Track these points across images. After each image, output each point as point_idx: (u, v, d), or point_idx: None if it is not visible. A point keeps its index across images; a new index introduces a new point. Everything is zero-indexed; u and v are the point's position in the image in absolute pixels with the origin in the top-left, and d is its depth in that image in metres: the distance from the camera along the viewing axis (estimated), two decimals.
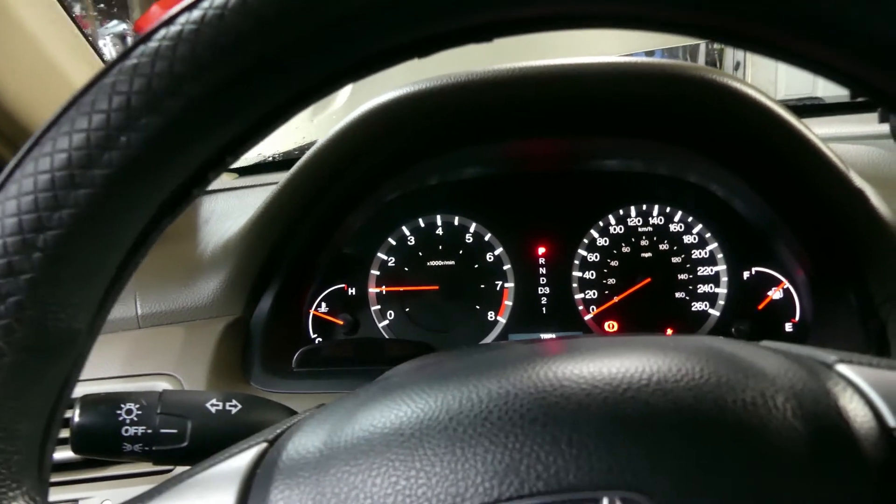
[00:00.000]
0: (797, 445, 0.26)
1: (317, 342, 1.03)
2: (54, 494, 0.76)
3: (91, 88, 0.29)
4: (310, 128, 1.40)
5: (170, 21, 0.29)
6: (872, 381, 0.29)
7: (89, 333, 0.32)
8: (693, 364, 0.29)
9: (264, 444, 0.33)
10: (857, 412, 0.27)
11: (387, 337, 1.03)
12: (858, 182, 0.75)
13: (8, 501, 0.28)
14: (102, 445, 0.49)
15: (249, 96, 0.30)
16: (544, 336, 1.02)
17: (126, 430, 0.48)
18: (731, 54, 4.24)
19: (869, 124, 1.04)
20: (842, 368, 0.31)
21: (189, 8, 0.29)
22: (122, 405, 0.48)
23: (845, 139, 0.98)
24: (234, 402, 0.51)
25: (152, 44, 0.28)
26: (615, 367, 0.29)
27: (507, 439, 0.27)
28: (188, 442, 0.49)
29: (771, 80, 3.86)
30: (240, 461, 0.32)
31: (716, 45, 3.67)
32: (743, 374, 0.29)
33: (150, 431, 0.48)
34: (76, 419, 0.48)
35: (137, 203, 0.30)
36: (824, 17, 0.26)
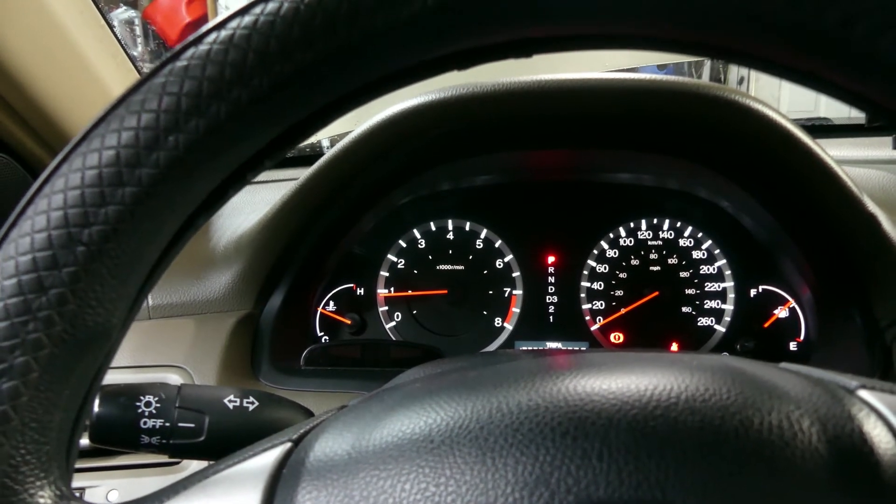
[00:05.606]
0: (821, 469, 0.26)
1: (323, 340, 1.03)
2: None
3: (141, 87, 0.29)
4: None
5: (221, 25, 0.29)
6: (895, 407, 0.30)
7: (122, 327, 0.32)
8: (720, 384, 0.30)
9: (289, 444, 0.33)
10: (880, 438, 0.28)
11: (393, 338, 1.04)
12: (871, 207, 0.76)
13: (36, 491, 0.29)
14: (120, 437, 0.49)
15: (292, 103, 0.30)
16: (550, 344, 1.03)
17: (144, 423, 0.48)
18: (736, 70, 4.23)
19: (879, 148, 1.05)
20: (864, 394, 0.31)
21: (241, 13, 0.29)
22: (142, 397, 0.49)
23: (856, 163, 0.99)
24: (251, 398, 0.51)
25: (203, 47, 0.29)
26: (644, 383, 0.30)
27: (537, 451, 0.27)
28: (205, 437, 0.49)
29: (774, 97, 3.86)
30: (264, 460, 0.32)
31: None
32: (768, 396, 0.29)
33: (167, 425, 0.49)
34: (96, 410, 0.48)
35: (179, 202, 0.31)
36: (855, 48, 0.26)
